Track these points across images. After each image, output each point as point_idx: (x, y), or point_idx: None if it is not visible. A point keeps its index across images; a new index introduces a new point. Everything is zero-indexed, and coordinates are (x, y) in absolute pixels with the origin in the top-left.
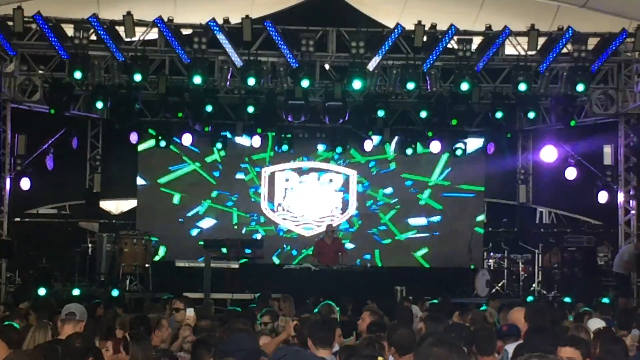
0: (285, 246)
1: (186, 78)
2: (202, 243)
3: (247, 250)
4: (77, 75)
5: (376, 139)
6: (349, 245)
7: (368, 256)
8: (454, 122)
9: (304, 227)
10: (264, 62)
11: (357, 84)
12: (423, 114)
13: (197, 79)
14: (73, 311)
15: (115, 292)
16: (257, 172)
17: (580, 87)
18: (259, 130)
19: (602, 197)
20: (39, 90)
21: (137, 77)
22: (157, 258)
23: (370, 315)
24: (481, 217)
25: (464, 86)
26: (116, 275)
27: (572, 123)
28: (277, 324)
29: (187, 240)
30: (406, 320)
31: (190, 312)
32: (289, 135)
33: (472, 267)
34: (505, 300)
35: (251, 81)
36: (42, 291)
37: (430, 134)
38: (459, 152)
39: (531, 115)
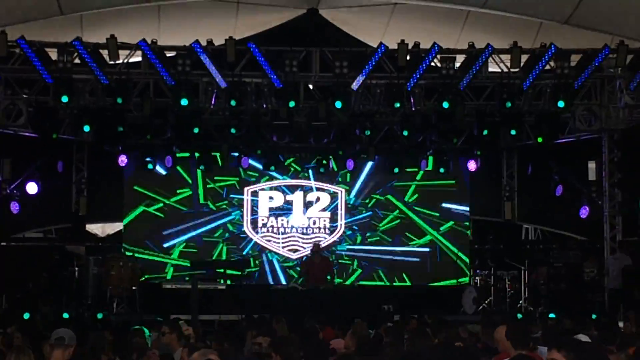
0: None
1: (170, 100)
2: (188, 264)
3: (234, 271)
4: (64, 99)
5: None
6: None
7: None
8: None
9: (289, 249)
10: (248, 83)
11: (339, 103)
12: (406, 133)
13: (184, 101)
14: (62, 336)
15: (99, 315)
16: (239, 191)
17: (561, 104)
18: (243, 152)
19: (586, 212)
20: (24, 114)
21: (119, 101)
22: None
23: (357, 334)
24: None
25: (445, 104)
26: (103, 298)
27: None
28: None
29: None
30: (393, 339)
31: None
32: (277, 157)
33: (464, 280)
34: (491, 317)
35: (234, 102)
36: (26, 315)
37: (413, 152)
38: (442, 170)
39: (513, 132)
